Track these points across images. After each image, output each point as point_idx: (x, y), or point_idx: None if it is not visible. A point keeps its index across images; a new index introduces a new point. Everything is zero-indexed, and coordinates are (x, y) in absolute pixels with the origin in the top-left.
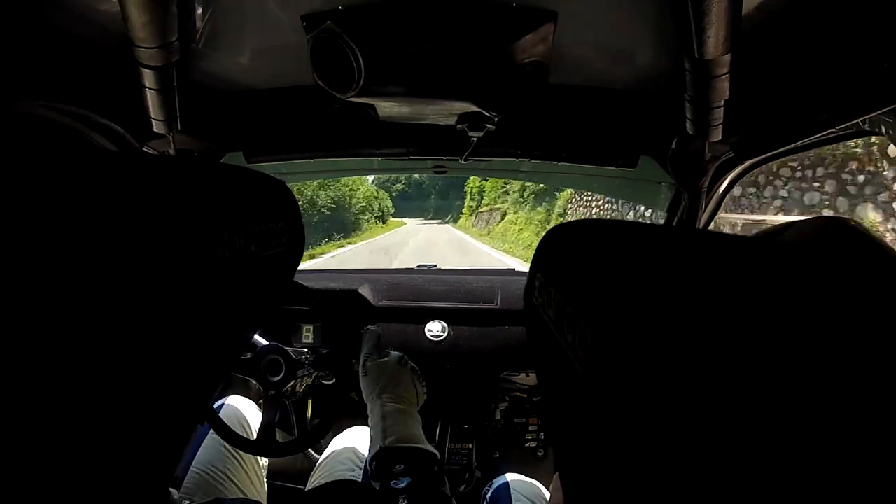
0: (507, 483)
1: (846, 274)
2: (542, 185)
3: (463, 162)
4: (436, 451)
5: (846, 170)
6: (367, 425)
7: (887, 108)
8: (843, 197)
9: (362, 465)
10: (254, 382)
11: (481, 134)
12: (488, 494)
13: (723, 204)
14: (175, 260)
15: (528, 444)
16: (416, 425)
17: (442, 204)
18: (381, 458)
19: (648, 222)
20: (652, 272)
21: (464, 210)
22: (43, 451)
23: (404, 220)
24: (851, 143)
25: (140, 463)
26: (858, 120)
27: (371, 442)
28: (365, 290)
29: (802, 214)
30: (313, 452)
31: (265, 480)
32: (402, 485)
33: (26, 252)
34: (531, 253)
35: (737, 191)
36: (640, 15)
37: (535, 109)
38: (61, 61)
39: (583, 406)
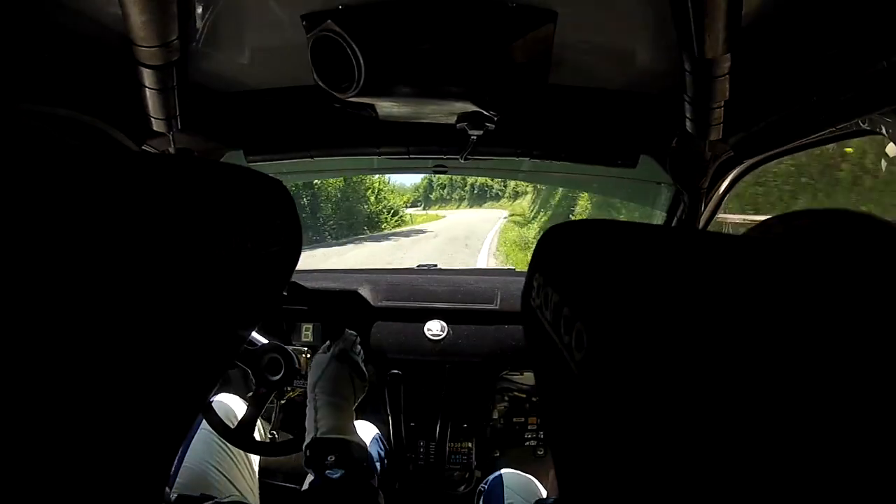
0: (500, 476)
1: (854, 271)
2: None
3: (463, 161)
4: (364, 444)
5: None
6: (366, 421)
7: (887, 109)
8: None
9: None
10: (252, 381)
11: (481, 133)
12: (484, 489)
13: (722, 204)
14: (172, 258)
15: (527, 444)
16: (346, 418)
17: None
18: (314, 447)
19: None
20: (649, 273)
21: None
22: (39, 448)
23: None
24: None
25: (136, 459)
26: (858, 120)
27: (306, 433)
28: (364, 290)
29: None
30: None
31: (257, 477)
32: (336, 475)
33: (26, 251)
34: None
35: None
36: (640, 15)
37: (535, 109)
38: (61, 61)
39: (579, 407)
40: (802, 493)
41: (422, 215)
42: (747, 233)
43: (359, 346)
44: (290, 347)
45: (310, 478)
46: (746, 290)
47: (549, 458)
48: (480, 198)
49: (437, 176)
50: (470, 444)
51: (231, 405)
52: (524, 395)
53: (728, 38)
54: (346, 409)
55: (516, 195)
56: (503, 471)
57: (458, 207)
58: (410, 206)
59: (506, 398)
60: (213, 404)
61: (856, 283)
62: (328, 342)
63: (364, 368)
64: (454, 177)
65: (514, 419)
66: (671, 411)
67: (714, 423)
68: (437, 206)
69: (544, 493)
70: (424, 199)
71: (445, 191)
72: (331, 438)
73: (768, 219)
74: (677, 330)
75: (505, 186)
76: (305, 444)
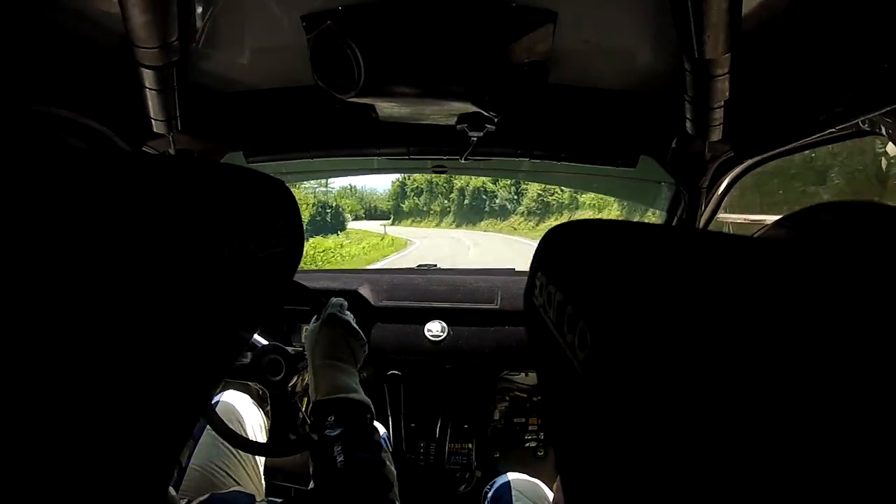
0: (508, 482)
1: (866, 267)
2: None
3: (463, 161)
4: (366, 400)
5: None
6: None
7: (887, 108)
8: None
9: None
10: (255, 384)
11: (481, 134)
12: (489, 493)
13: (722, 204)
14: (174, 259)
15: (527, 444)
16: (345, 377)
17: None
18: (315, 411)
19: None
20: (652, 272)
21: None
22: (42, 450)
23: None
24: None
25: (140, 462)
26: (858, 120)
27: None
28: (365, 290)
29: None
30: None
31: (263, 477)
32: (336, 433)
33: (27, 252)
34: None
35: None
36: (640, 15)
37: (535, 109)
38: (61, 61)
39: (582, 406)
40: (804, 495)
41: (375, 236)
42: (771, 226)
43: (347, 310)
44: (291, 348)
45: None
46: (750, 289)
47: (550, 459)
48: (475, 213)
49: (411, 178)
50: (470, 445)
51: (237, 403)
52: (524, 396)
53: (728, 38)
54: (344, 370)
55: (545, 209)
56: (510, 475)
57: (437, 225)
58: (368, 219)
59: (506, 398)
60: (219, 403)
61: (863, 281)
62: (316, 315)
63: (357, 327)
64: (435, 178)
65: (515, 420)
66: (675, 410)
67: (718, 423)
68: (408, 221)
69: (552, 497)
70: (395, 209)
71: (423, 198)
72: (328, 399)
73: (790, 214)
74: (681, 329)
75: (517, 195)
76: (308, 410)
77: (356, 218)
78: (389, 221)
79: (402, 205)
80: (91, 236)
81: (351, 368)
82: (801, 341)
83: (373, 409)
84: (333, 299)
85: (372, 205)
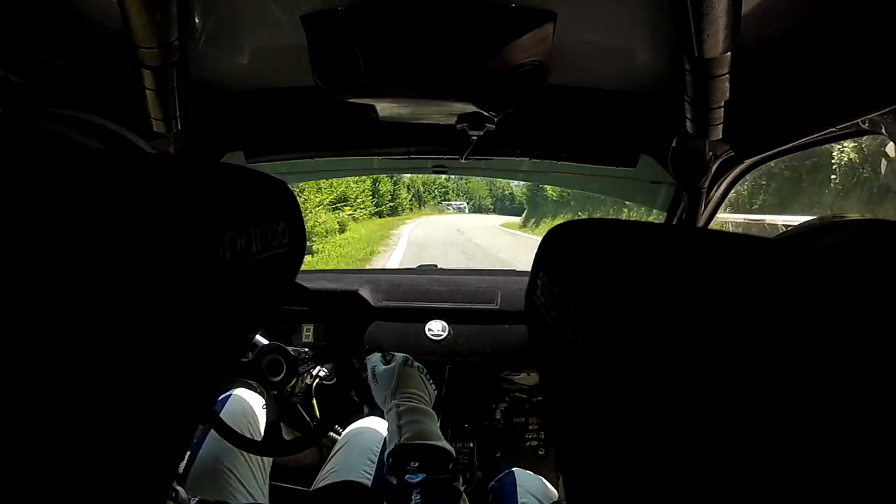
0: (512, 474)
1: (868, 276)
2: None
3: (463, 161)
4: (451, 448)
5: None
6: (377, 416)
7: (887, 109)
8: None
9: (375, 460)
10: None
11: (481, 133)
12: (496, 486)
13: (722, 204)
14: (175, 260)
15: (528, 444)
16: (430, 422)
17: None
18: (398, 455)
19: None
20: (655, 271)
21: None
22: (44, 452)
23: None
24: None
25: (141, 464)
26: (858, 120)
27: (388, 440)
28: (365, 291)
29: None
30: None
31: (268, 476)
32: (417, 479)
33: (25, 254)
34: None
35: None
36: (640, 15)
37: (535, 109)
38: (61, 61)
39: (585, 405)
40: (805, 494)
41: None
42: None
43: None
44: (291, 348)
45: (330, 476)
46: (751, 287)
47: (551, 458)
48: None
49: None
50: (471, 445)
51: (248, 399)
52: (524, 396)
53: (728, 38)
54: (427, 412)
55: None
56: (515, 470)
57: None
58: (500, 213)
59: (506, 398)
60: (230, 399)
61: (866, 283)
62: (371, 363)
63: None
64: None
65: (515, 419)
66: (678, 409)
67: (722, 421)
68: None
69: (555, 493)
70: (530, 200)
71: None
72: (414, 444)
73: (804, 223)
74: (684, 327)
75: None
76: (388, 451)
77: (478, 209)
78: (520, 222)
79: (539, 196)
80: (91, 238)
81: (433, 412)
82: (803, 340)
83: (455, 458)
84: (399, 355)
85: (506, 190)
